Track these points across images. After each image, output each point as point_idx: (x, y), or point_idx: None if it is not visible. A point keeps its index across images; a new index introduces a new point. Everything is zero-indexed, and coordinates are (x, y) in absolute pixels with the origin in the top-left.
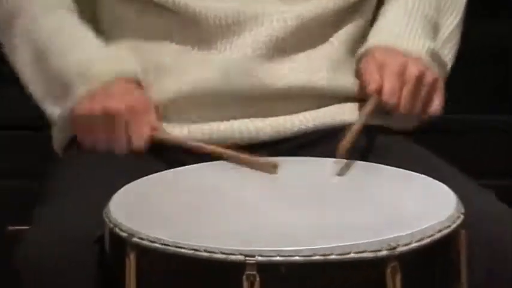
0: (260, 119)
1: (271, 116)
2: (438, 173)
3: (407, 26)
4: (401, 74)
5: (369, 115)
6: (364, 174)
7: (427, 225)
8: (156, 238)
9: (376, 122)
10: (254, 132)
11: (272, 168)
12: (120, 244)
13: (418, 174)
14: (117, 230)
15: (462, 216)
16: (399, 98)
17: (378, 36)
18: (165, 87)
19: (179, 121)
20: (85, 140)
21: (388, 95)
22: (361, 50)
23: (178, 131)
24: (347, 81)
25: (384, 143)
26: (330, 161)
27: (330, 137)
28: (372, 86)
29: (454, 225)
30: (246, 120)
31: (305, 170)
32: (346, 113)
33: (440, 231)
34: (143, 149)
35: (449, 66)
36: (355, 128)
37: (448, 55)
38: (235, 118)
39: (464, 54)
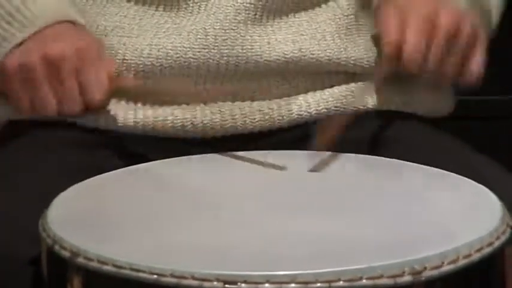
0: (247, 102)
1: (261, 98)
2: (476, 173)
3: None
4: (430, 24)
5: (382, 78)
6: (380, 174)
7: (462, 243)
8: (108, 258)
9: (395, 107)
10: (239, 119)
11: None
12: (60, 266)
13: (449, 173)
14: (57, 247)
15: (510, 230)
16: (426, 55)
17: None
18: (121, 57)
19: (142, 101)
20: (23, 101)
21: (412, 50)
22: None
23: (141, 115)
24: (359, 53)
25: (405, 134)
26: (337, 156)
27: None
28: (389, 39)
29: (498, 242)
30: (228, 104)
31: (304, 167)
32: (360, 95)
33: (480, 250)
34: (102, 103)
35: (494, 19)
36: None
37: (494, 3)
38: (214, 101)
39: None
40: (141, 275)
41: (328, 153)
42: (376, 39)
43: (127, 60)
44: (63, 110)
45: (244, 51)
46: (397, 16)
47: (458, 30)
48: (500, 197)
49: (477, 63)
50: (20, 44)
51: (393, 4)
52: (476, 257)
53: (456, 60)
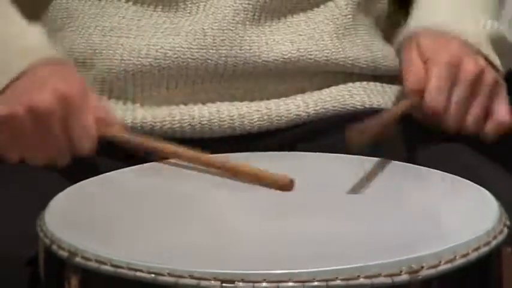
0: (245, 102)
1: (259, 99)
2: (473, 173)
3: (463, 2)
4: (453, 70)
5: (394, 117)
6: (377, 175)
7: (460, 242)
8: (106, 258)
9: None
10: (237, 120)
11: (287, 184)
12: (58, 266)
13: (447, 173)
14: (54, 247)
15: (506, 230)
16: (448, 101)
17: (423, 16)
18: (119, 58)
19: (141, 102)
20: (11, 152)
21: (434, 94)
22: (403, 34)
23: (139, 115)
24: (357, 53)
25: (404, 134)
26: (335, 157)
27: (337, 127)
28: (411, 81)
29: (495, 242)
30: (226, 104)
31: (304, 168)
32: (358, 95)
33: (477, 249)
34: (92, 151)
35: None
36: (373, 125)
37: None
38: (212, 101)
39: None
40: (138, 274)
41: (328, 154)
42: (399, 82)
43: (125, 60)
44: (52, 160)
45: (243, 51)
46: (420, 61)
47: (481, 78)
48: (497, 197)
49: (503, 112)
50: (2, 91)
51: (416, 49)
52: (473, 256)
53: (478, 111)
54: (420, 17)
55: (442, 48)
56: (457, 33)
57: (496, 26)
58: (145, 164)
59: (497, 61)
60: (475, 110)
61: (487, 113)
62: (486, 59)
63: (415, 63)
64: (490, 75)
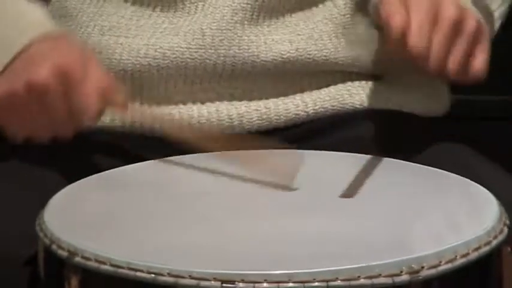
0: (244, 102)
1: (258, 98)
2: (473, 172)
3: None
4: (433, 14)
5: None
6: (377, 174)
7: (460, 242)
8: (106, 258)
9: (391, 106)
10: (236, 119)
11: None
12: (58, 265)
13: (447, 172)
14: (54, 247)
15: (507, 230)
16: (430, 42)
17: None
18: (118, 57)
19: (139, 101)
20: (14, 128)
21: (416, 35)
22: None
23: (138, 115)
24: (356, 52)
25: (403, 133)
26: (335, 155)
27: (336, 126)
28: (395, 20)
29: (495, 242)
30: (225, 104)
31: (304, 166)
32: (357, 94)
33: (477, 249)
34: (95, 122)
35: (497, 22)
36: None
37: (497, 6)
38: (211, 101)
39: None
40: (138, 274)
41: (326, 152)
42: (379, 31)
43: (124, 60)
44: (56, 134)
45: (241, 51)
46: (400, 6)
47: (463, 23)
48: (498, 196)
49: (481, 60)
50: (4, 69)
51: None
52: (473, 256)
53: (460, 54)
54: None
55: None
56: None
57: None
58: (144, 163)
59: (478, 14)
60: (455, 55)
61: (468, 58)
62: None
63: (395, 5)
64: (471, 21)
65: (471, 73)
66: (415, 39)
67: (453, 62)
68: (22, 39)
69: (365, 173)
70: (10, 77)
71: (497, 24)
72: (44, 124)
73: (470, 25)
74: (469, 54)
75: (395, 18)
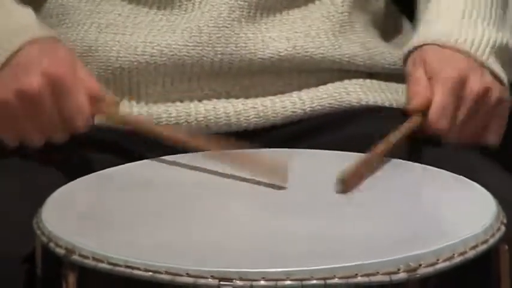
0: (241, 100)
1: (255, 96)
2: (471, 170)
3: (468, 12)
4: (459, 89)
5: (402, 138)
6: (376, 172)
7: (457, 240)
8: (103, 256)
9: (390, 103)
10: (233, 117)
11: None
12: (55, 263)
13: (444, 171)
14: (51, 245)
15: (504, 228)
16: (450, 123)
17: (430, 27)
18: (115, 55)
19: (137, 99)
20: (7, 135)
21: (437, 116)
22: (409, 46)
23: (135, 112)
24: (353, 50)
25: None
26: (332, 153)
27: (333, 123)
28: (415, 102)
29: (493, 240)
30: (222, 101)
31: (301, 165)
32: (354, 92)
33: (475, 247)
34: (86, 128)
35: None
36: (379, 150)
37: None
38: (208, 98)
39: None
40: (136, 272)
41: (325, 151)
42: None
43: (121, 57)
44: (49, 139)
45: (238, 49)
46: (425, 80)
47: (487, 97)
48: (495, 195)
49: (497, 136)
50: None
51: (421, 60)
52: (471, 254)
53: (478, 130)
54: (425, 29)
55: (447, 65)
56: (462, 47)
57: (500, 36)
58: (142, 161)
59: (502, 73)
60: (475, 129)
61: (485, 129)
62: (492, 72)
63: (420, 82)
64: (494, 94)
65: (483, 143)
66: (435, 120)
67: (470, 136)
68: (12, 44)
69: (363, 171)
70: (0, 85)
71: None
72: (37, 131)
73: (493, 99)
74: (486, 126)
75: (416, 101)
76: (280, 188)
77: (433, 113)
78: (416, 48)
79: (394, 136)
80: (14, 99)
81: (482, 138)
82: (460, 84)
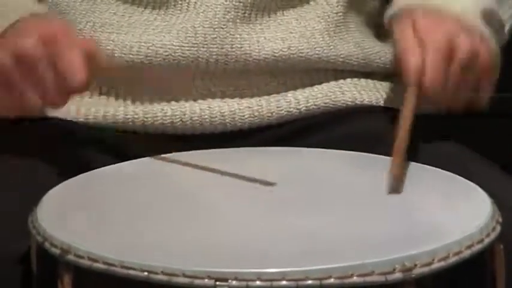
0: (236, 99)
1: (250, 96)
2: (466, 169)
3: None
4: (449, 49)
5: (412, 114)
6: (370, 172)
7: (453, 240)
8: (99, 256)
9: (385, 103)
10: (228, 116)
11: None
12: (50, 263)
13: (439, 170)
14: (47, 244)
15: (499, 227)
16: (443, 84)
17: None
18: (110, 54)
19: (132, 98)
20: (4, 102)
21: (432, 85)
22: (398, 6)
23: (130, 112)
24: (348, 50)
25: (392, 130)
26: (327, 153)
27: (328, 123)
28: (411, 72)
29: (488, 239)
30: (217, 101)
31: (296, 164)
32: (349, 92)
33: (470, 247)
34: (84, 85)
35: (507, 28)
36: (401, 137)
37: (508, 16)
38: (203, 98)
39: None
40: (131, 272)
41: (320, 150)
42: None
43: (116, 57)
44: (47, 103)
45: (234, 49)
46: (415, 43)
47: (477, 57)
48: (490, 194)
49: (485, 98)
50: None
51: (409, 22)
52: (466, 254)
53: (469, 92)
54: None
55: (437, 28)
56: (451, 9)
57: (488, 1)
58: (137, 161)
59: (490, 35)
60: (465, 93)
61: (474, 91)
62: (480, 35)
63: (411, 45)
64: (483, 55)
65: (473, 105)
66: (431, 82)
67: (462, 99)
68: (9, 20)
69: (359, 171)
70: None
71: (507, 29)
72: (34, 93)
73: (482, 60)
74: (476, 89)
75: (411, 62)
76: (275, 188)
77: (427, 83)
78: (403, 10)
79: (405, 120)
80: (9, 60)
81: (472, 103)
82: (450, 44)
